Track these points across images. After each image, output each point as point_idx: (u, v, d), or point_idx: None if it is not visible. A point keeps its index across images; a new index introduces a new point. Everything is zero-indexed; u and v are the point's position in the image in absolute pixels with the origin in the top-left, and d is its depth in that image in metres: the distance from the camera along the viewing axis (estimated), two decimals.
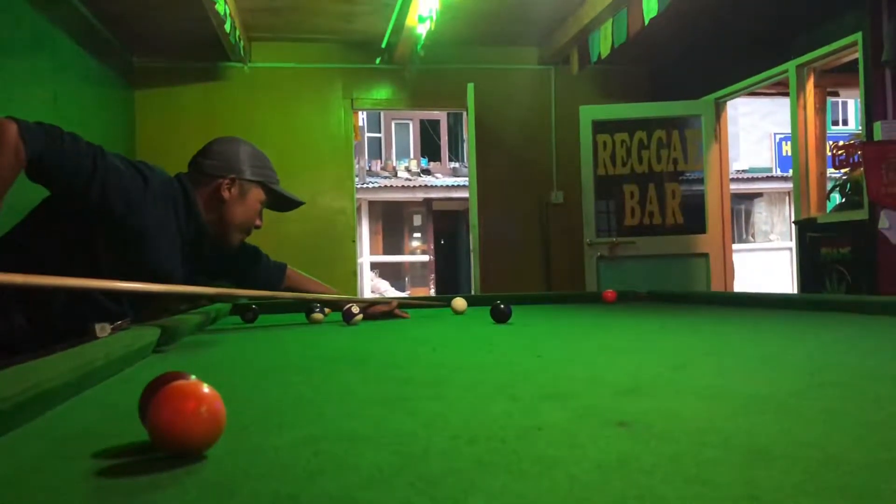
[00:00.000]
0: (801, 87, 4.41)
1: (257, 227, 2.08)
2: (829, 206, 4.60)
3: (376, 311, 2.39)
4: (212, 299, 2.32)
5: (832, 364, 1.16)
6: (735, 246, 6.65)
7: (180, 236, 1.92)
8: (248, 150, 2.03)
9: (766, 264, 15.03)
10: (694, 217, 5.29)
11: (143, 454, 0.65)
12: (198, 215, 1.95)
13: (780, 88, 5.28)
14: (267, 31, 5.15)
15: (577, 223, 5.37)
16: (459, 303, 2.57)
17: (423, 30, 4.43)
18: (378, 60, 5.48)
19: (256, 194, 2.02)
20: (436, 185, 16.25)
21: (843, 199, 4.40)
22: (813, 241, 4.24)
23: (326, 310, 2.37)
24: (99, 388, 1.02)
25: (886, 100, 3.65)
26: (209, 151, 2.01)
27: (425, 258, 16.87)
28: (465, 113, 5.42)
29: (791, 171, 4.61)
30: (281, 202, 2.12)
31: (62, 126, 1.69)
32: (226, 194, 1.96)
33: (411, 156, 17.33)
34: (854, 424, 0.72)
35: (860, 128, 4.04)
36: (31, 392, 0.79)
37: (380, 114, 16.74)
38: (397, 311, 2.41)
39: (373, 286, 14.99)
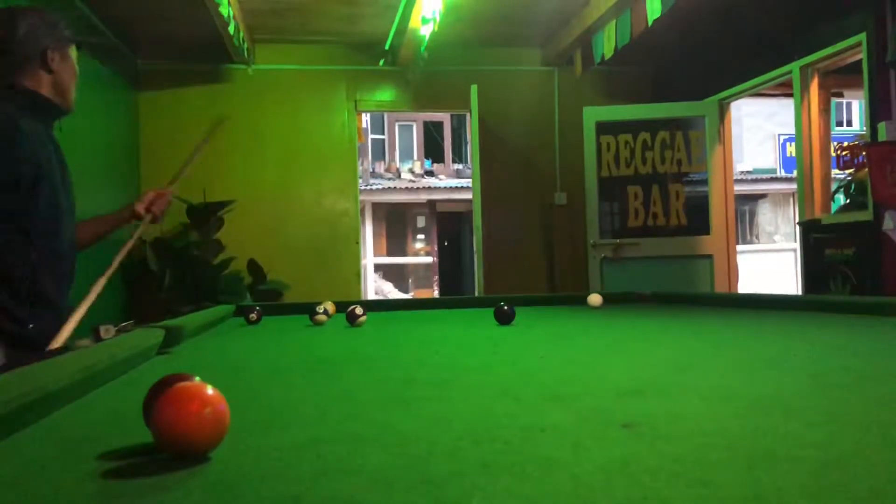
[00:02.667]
0: (805, 88, 4.40)
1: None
2: (834, 207, 4.58)
3: (156, 209, 2.19)
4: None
5: (836, 366, 1.15)
6: (739, 247, 6.64)
7: (48, 137, 1.92)
8: (40, 18, 2.02)
9: (770, 266, 14.99)
10: (698, 218, 5.27)
11: (147, 456, 0.65)
12: (45, 100, 1.94)
13: (784, 89, 5.27)
14: (270, 32, 5.16)
15: (580, 224, 5.36)
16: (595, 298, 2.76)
17: (426, 32, 4.44)
18: (382, 62, 5.48)
19: (69, 51, 2.07)
20: (439, 187, 16.25)
21: (848, 201, 4.39)
22: (817, 242, 4.23)
23: (330, 311, 2.37)
24: (103, 391, 1.03)
25: (891, 100, 3.64)
26: (14, 38, 1.93)
27: (429, 260, 16.87)
28: (468, 115, 5.42)
29: (795, 172, 4.60)
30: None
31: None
32: (53, 65, 1.97)
33: (415, 157, 17.35)
34: (858, 426, 0.72)
35: (864, 128, 4.03)
36: (36, 394, 0.79)
37: (383, 115, 16.76)
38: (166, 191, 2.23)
39: (376, 287, 15.00)
